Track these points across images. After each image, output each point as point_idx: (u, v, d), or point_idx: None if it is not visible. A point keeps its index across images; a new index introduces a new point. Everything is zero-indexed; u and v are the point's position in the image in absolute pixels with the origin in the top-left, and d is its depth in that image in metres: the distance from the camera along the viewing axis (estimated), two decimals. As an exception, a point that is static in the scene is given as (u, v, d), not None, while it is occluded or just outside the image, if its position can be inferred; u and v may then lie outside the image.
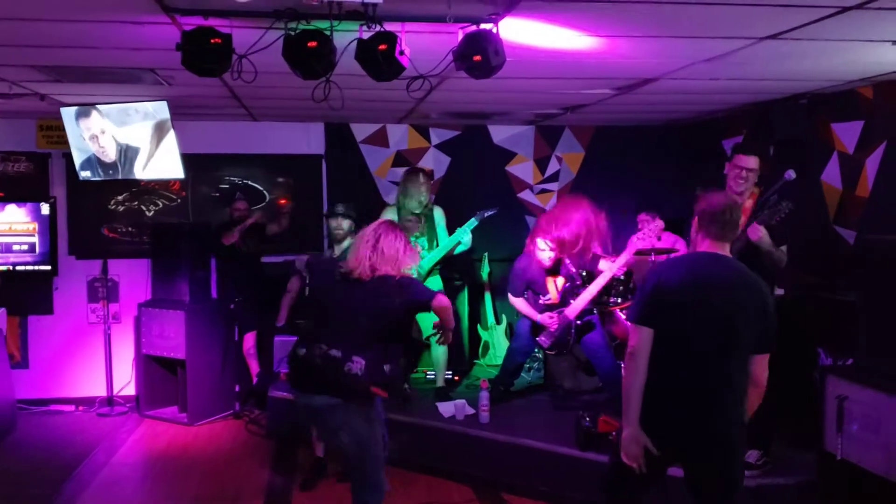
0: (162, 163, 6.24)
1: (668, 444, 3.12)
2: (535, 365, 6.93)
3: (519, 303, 5.93)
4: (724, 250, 3.22)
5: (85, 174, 6.55)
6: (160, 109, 5.91)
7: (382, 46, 3.23)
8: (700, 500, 3.18)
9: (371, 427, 3.73)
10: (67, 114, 6.21)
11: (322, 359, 3.62)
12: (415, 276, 4.94)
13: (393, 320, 3.73)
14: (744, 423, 3.15)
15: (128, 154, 6.27)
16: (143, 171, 6.30)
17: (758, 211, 4.40)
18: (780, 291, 5.47)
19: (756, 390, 3.13)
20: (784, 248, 4.49)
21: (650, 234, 5.31)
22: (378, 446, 3.77)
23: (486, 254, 7.44)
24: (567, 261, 5.70)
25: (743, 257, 4.45)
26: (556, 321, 5.63)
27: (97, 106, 6.09)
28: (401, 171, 7.62)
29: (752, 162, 4.52)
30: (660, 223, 6.66)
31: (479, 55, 3.27)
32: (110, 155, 6.30)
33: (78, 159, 6.47)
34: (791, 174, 4.26)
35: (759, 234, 4.24)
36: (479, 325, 7.51)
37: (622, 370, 5.80)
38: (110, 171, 6.40)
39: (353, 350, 3.61)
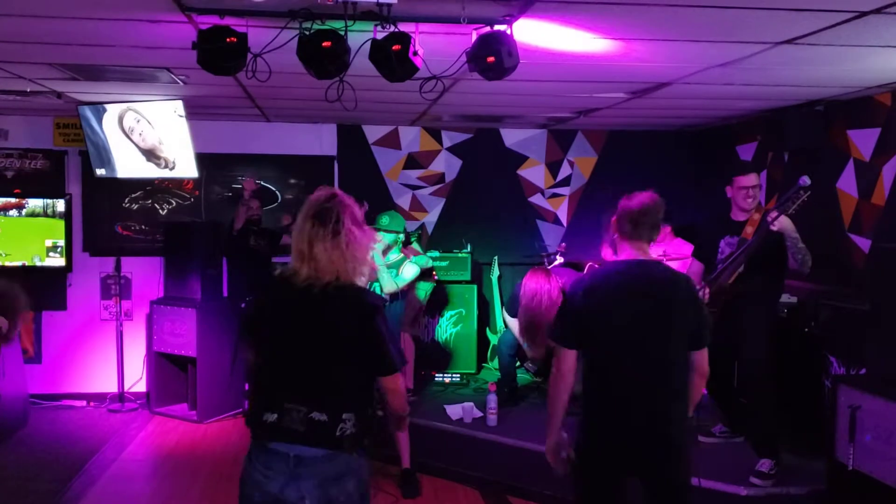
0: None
1: (618, 455, 3.06)
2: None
3: (512, 323, 5.99)
4: (645, 253, 3.10)
5: (100, 171, 6.62)
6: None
7: (396, 47, 3.23)
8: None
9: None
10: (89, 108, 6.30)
11: (307, 425, 2.64)
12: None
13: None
14: (687, 420, 3.15)
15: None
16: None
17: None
18: (792, 299, 5.44)
19: (703, 379, 3.13)
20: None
21: None
22: None
23: (495, 257, 7.44)
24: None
25: (755, 259, 4.44)
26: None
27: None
28: (413, 173, 7.66)
29: (752, 179, 4.71)
30: (667, 228, 6.70)
31: (493, 56, 3.27)
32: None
33: (93, 156, 6.54)
34: (805, 180, 4.24)
35: (783, 222, 4.27)
36: (487, 329, 7.51)
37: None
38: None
39: (336, 404, 2.67)
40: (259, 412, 2.70)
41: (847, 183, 5.53)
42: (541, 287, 5.72)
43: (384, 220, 5.24)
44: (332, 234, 2.63)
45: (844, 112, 5.51)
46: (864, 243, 5.37)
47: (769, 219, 4.30)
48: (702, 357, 3.10)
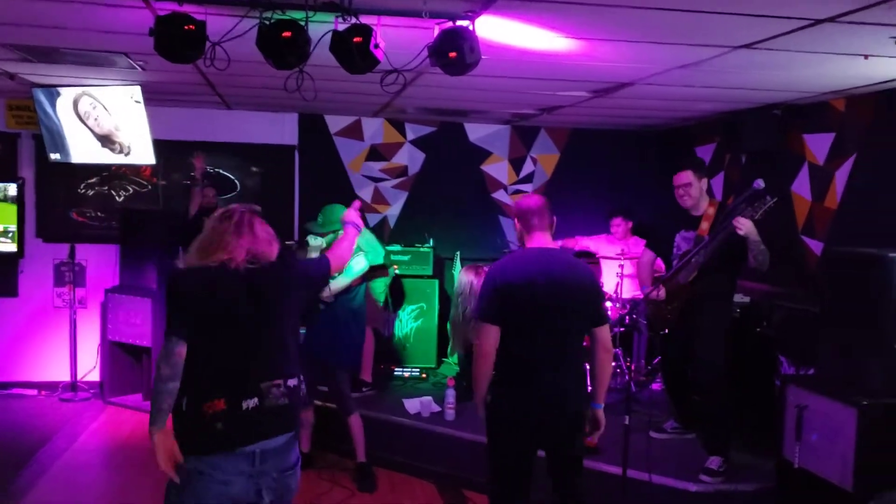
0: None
1: (525, 421, 3.39)
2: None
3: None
4: (549, 241, 3.51)
5: (55, 156, 6.49)
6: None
7: (357, 39, 3.21)
8: (556, 473, 3.50)
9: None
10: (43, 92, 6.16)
11: (289, 397, 2.83)
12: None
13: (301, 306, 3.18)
14: (587, 392, 3.54)
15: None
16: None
17: (726, 218, 4.40)
18: (745, 299, 5.53)
19: (608, 354, 3.47)
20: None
21: None
22: None
23: (458, 252, 7.44)
24: None
25: (714, 259, 4.47)
26: None
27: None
28: (376, 165, 7.63)
29: (682, 178, 4.71)
30: (629, 224, 6.83)
31: (455, 52, 3.27)
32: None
33: (47, 140, 6.41)
34: (760, 183, 4.27)
35: (746, 228, 4.23)
36: (448, 324, 7.51)
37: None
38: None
39: (296, 367, 2.93)
40: (235, 403, 2.72)
41: (801, 186, 5.63)
42: (468, 280, 5.84)
43: (319, 219, 5.10)
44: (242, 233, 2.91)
45: (800, 116, 5.60)
46: (816, 246, 5.47)
47: (736, 225, 4.25)
48: (604, 332, 3.44)
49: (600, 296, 3.54)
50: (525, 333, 3.36)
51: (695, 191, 4.70)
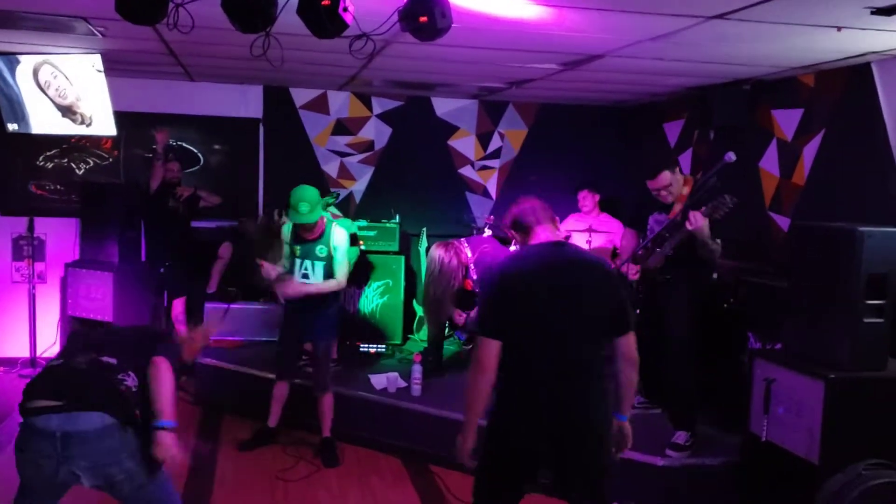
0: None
1: (534, 447, 2.96)
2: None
3: None
4: (555, 234, 3.06)
5: (13, 126, 6.30)
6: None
7: (326, 2, 3.13)
8: (572, 497, 3.07)
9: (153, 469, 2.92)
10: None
11: (92, 366, 2.83)
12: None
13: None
14: (608, 409, 3.02)
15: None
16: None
17: (696, 193, 4.40)
18: (713, 276, 5.54)
19: (632, 366, 3.01)
20: (719, 240, 4.48)
21: None
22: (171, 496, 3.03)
23: (424, 228, 7.38)
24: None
25: (680, 247, 4.47)
26: (463, 316, 5.91)
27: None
28: (342, 139, 7.53)
29: (661, 181, 4.54)
30: (596, 197, 6.83)
31: (426, 16, 3.20)
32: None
33: (6, 109, 6.21)
34: (731, 156, 4.24)
35: (700, 223, 4.20)
36: (414, 300, 7.47)
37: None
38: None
39: (120, 359, 2.91)
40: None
41: (769, 162, 5.65)
42: (436, 256, 5.85)
43: (303, 208, 4.76)
44: None
45: (769, 92, 5.61)
46: (783, 222, 5.50)
47: (689, 219, 4.22)
48: (627, 343, 2.98)
49: (622, 298, 2.99)
50: (528, 346, 2.91)
51: (675, 187, 4.59)
